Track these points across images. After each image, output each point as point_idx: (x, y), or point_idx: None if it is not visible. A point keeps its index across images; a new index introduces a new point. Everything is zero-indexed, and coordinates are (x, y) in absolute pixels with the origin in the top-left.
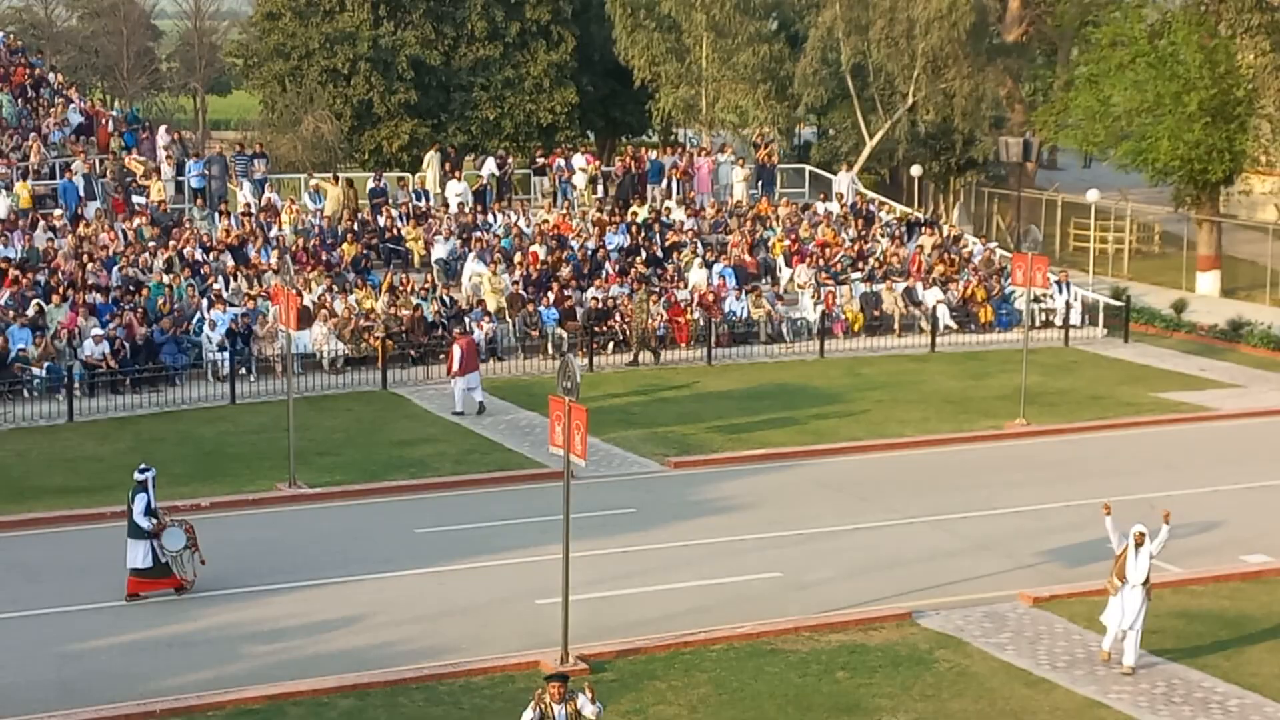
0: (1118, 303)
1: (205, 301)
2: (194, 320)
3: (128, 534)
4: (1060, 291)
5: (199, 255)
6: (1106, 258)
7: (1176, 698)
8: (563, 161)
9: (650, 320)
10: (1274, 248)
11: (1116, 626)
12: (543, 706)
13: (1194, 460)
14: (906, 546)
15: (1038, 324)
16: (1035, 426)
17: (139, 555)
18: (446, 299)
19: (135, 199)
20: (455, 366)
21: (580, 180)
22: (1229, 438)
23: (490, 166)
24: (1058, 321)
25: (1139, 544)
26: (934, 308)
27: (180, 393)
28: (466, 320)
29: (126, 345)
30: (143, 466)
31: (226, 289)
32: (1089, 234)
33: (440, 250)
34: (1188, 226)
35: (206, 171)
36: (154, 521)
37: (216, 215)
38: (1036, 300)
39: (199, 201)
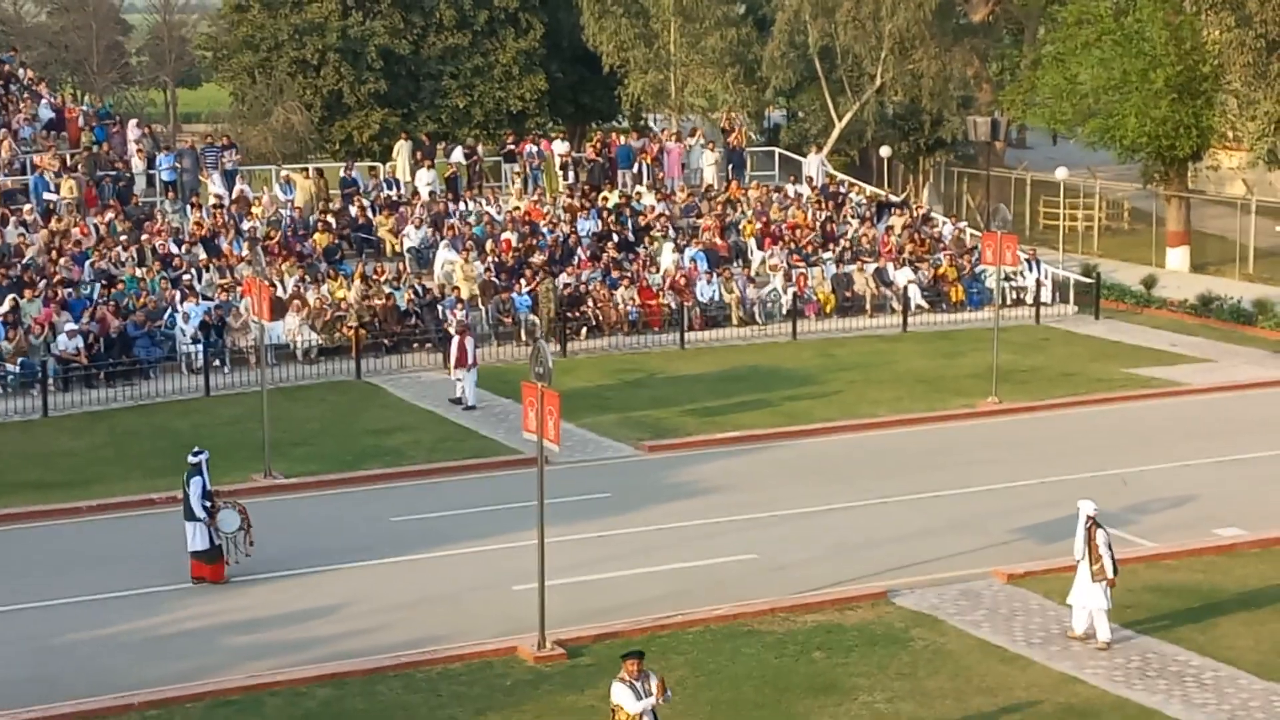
0: (1088, 280)
1: (178, 294)
2: (167, 313)
3: (184, 517)
4: (1030, 269)
5: (171, 248)
6: (1076, 235)
7: (1151, 671)
8: (534, 148)
9: (553, 309)
10: (1242, 223)
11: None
12: (625, 683)
13: (1166, 435)
14: (881, 526)
15: (1009, 302)
16: (1007, 404)
17: (197, 538)
18: (419, 287)
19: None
20: (468, 359)
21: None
22: (1200, 412)
23: (458, 155)
24: (1028, 299)
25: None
26: (905, 288)
27: (154, 386)
28: (440, 308)
29: (100, 339)
30: (196, 450)
31: (199, 281)
32: (1059, 212)
33: (412, 239)
34: (1156, 203)
35: (177, 164)
36: (210, 504)
37: (188, 208)
38: (1007, 279)
39: (170, 195)
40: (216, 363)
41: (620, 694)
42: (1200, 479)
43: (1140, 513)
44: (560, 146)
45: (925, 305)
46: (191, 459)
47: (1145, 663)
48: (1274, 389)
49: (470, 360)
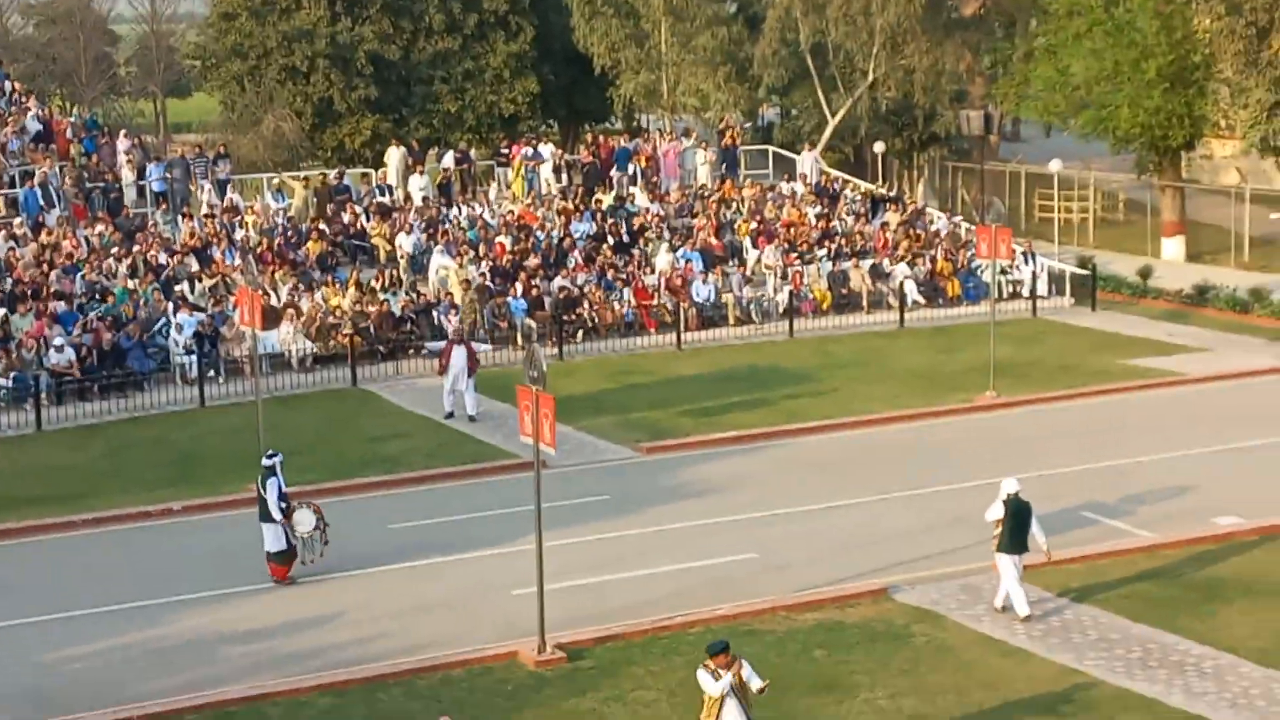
0: (1084, 271)
1: (171, 305)
2: (160, 324)
3: (260, 519)
4: (1026, 262)
5: (163, 259)
6: (1071, 227)
7: (1152, 662)
8: (529, 150)
9: (477, 317)
10: (1237, 211)
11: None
12: (709, 670)
13: (1164, 425)
14: (880, 523)
15: (1005, 296)
16: (1005, 398)
17: (272, 539)
18: (414, 293)
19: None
20: (451, 368)
21: (546, 170)
22: (1198, 401)
23: (448, 160)
24: (1025, 292)
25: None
26: (901, 283)
27: (149, 398)
28: (435, 313)
29: (93, 352)
30: (270, 452)
31: (192, 292)
32: (1053, 204)
33: (406, 244)
34: (1151, 193)
35: (168, 175)
36: (285, 504)
37: (179, 218)
38: (1003, 272)
39: (162, 205)
40: (211, 373)
41: (702, 678)
42: (1198, 468)
43: (1139, 503)
44: (546, 150)
45: (922, 301)
46: (266, 461)
47: (1146, 653)
48: (1271, 377)
49: (469, 368)
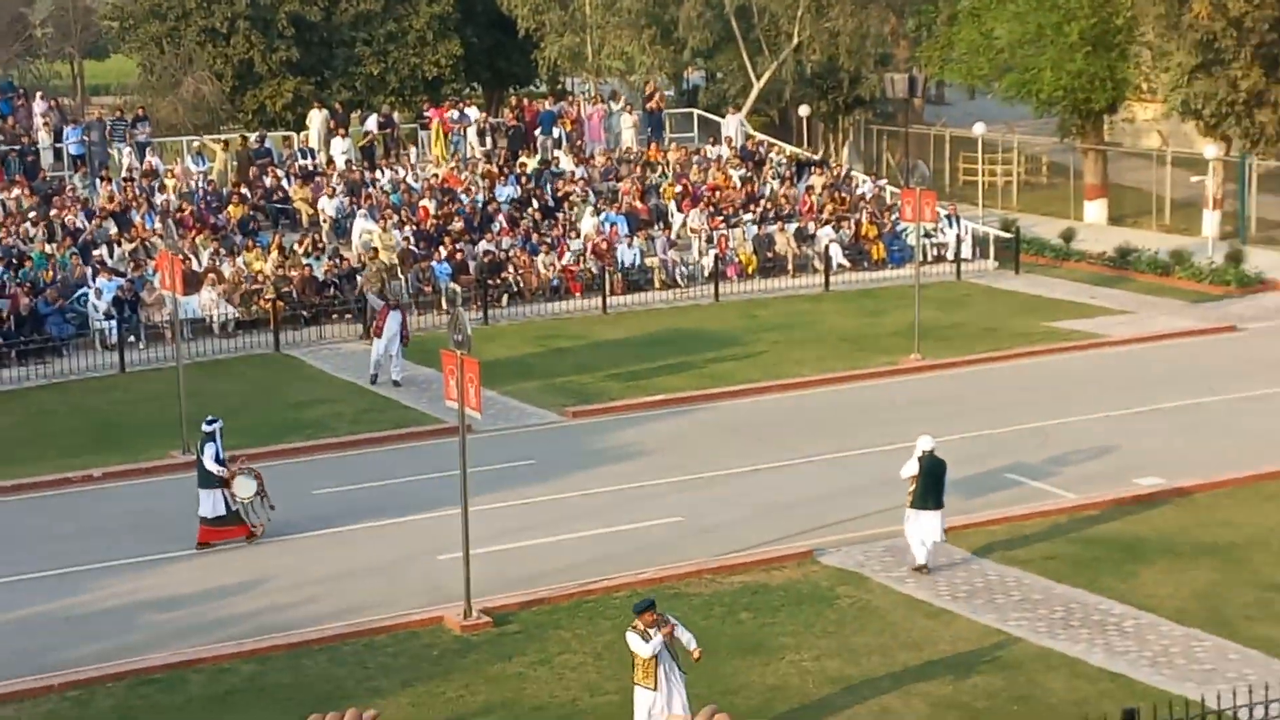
0: (1008, 235)
1: (90, 270)
2: (79, 290)
3: (198, 484)
4: (950, 226)
5: (81, 223)
6: (995, 190)
7: (1075, 621)
8: (455, 114)
9: (380, 287)
10: (1159, 174)
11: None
12: (642, 633)
13: (1086, 387)
14: (806, 486)
15: (929, 259)
16: (930, 361)
17: (210, 504)
18: (337, 258)
19: None
20: (384, 332)
21: (470, 133)
22: (1120, 363)
23: (371, 123)
24: (949, 256)
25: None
26: (826, 247)
27: (68, 363)
28: (359, 278)
29: (11, 317)
30: (210, 419)
31: (111, 256)
32: (978, 168)
33: (328, 209)
34: (1074, 156)
35: (86, 138)
36: (225, 470)
37: (98, 182)
38: (927, 235)
39: (80, 169)
40: (131, 339)
41: (632, 641)
42: (1120, 430)
43: (1061, 464)
44: (471, 113)
45: (847, 264)
46: (205, 427)
47: (1069, 613)
48: (1191, 339)
49: (402, 336)
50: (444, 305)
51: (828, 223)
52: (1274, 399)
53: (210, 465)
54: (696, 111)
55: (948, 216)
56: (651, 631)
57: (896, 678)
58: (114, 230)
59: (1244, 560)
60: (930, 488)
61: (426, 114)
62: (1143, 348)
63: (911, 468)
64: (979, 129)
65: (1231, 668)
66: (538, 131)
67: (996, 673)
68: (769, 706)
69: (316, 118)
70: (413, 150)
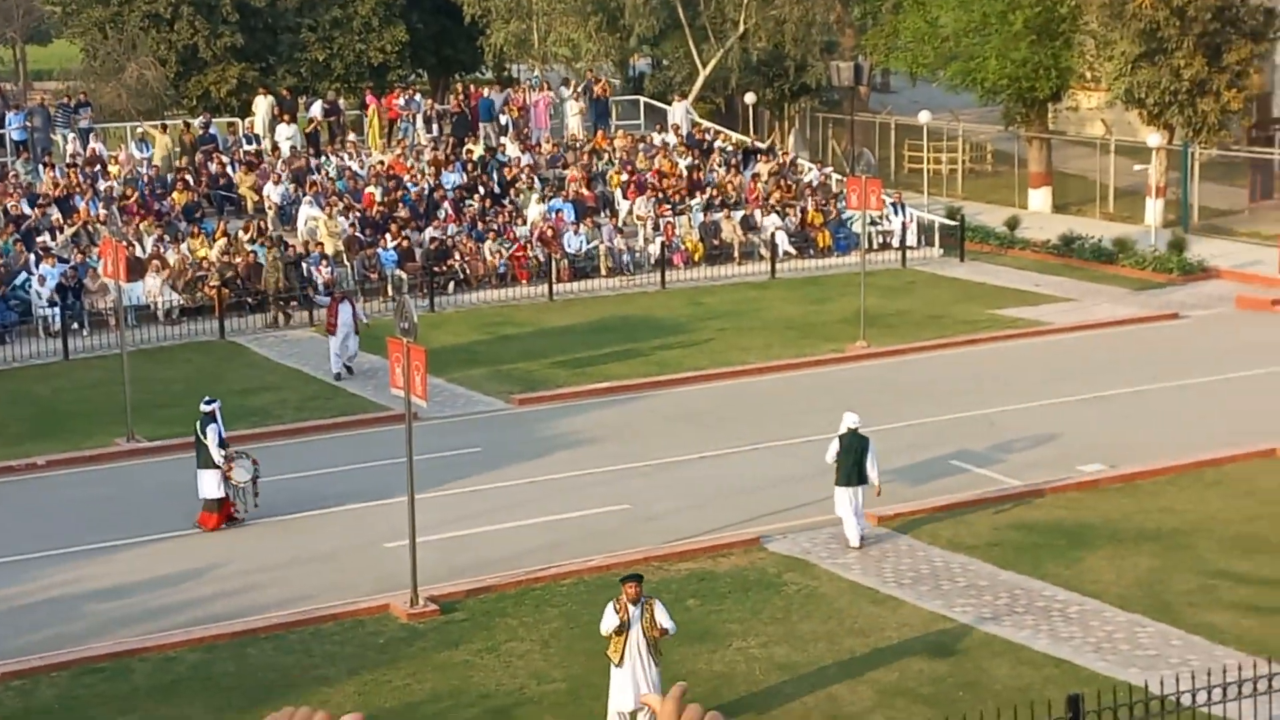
0: (952, 222)
1: (33, 256)
2: (21, 276)
3: (198, 465)
4: (896, 213)
5: (24, 209)
6: (941, 178)
7: (1019, 607)
8: (401, 101)
9: (282, 279)
10: (1102, 162)
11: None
12: (618, 606)
13: (1030, 375)
14: (753, 473)
15: (875, 247)
16: (876, 348)
17: (212, 486)
18: (282, 245)
19: None
20: (338, 327)
21: (417, 120)
22: (1063, 351)
23: (316, 110)
24: (895, 243)
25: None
26: (773, 234)
27: (10, 350)
28: (304, 265)
29: None
30: (208, 399)
31: (54, 243)
32: (923, 155)
33: (274, 195)
34: (1018, 145)
35: (28, 123)
36: (225, 452)
37: (41, 168)
38: (873, 223)
39: (23, 154)
40: (75, 326)
41: (606, 612)
42: (1064, 417)
43: (1006, 451)
44: (418, 100)
45: (793, 251)
46: (204, 407)
47: (1013, 599)
48: (1134, 327)
49: (351, 326)
50: (390, 293)
51: (774, 210)
52: (1216, 386)
53: (213, 449)
54: (643, 99)
55: (893, 204)
56: (630, 607)
57: (843, 664)
58: (57, 216)
59: (1186, 546)
60: (852, 465)
61: (404, 99)
62: (1086, 335)
63: (834, 448)
64: (924, 117)
65: (1174, 653)
66: (482, 121)
67: (942, 659)
68: (716, 694)
69: (262, 104)
70: (351, 135)
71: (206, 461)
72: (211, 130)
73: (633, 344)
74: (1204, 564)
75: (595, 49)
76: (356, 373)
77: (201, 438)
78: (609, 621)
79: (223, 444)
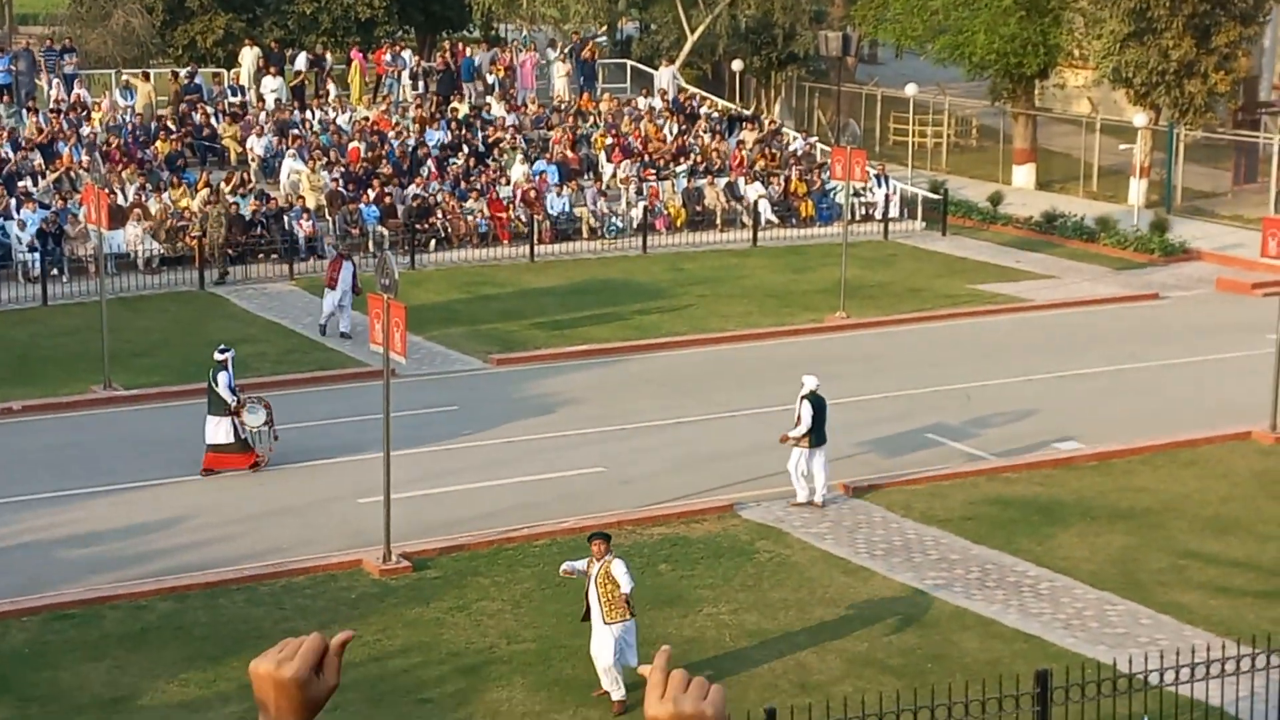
0: (935, 196)
1: (14, 201)
2: (1, 220)
3: (208, 411)
4: (879, 185)
5: (7, 153)
6: (925, 152)
7: (990, 582)
8: (389, 56)
9: (223, 232)
10: (1087, 141)
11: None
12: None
13: (1009, 350)
14: (728, 440)
15: (858, 218)
16: (855, 319)
17: (220, 432)
18: (264, 197)
19: None
20: (338, 284)
21: (403, 76)
22: (1042, 328)
23: (301, 63)
24: (877, 215)
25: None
26: (755, 202)
27: None
28: (286, 218)
29: None
30: (222, 347)
31: (35, 187)
32: (908, 128)
33: (257, 147)
34: (1004, 120)
35: (13, 67)
36: (236, 398)
37: (24, 112)
38: (856, 194)
39: (6, 98)
40: (54, 272)
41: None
42: (1040, 394)
43: (982, 426)
44: (405, 56)
45: (775, 220)
46: (218, 355)
47: (984, 574)
48: (1114, 305)
49: (350, 285)
50: (371, 249)
51: (757, 178)
52: (1193, 367)
53: (224, 393)
54: (629, 63)
55: (877, 176)
56: (592, 561)
57: (813, 633)
58: (39, 162)
59: (1159, 526)
60: (816, 426)
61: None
62: (1066, 313)
63: (809, 410)
64: (911, 90)
65: (1143, 632)
66: (464, 80)
67: (912, 631)
68: (685, 658)
69: (248, 55)
70: (331, 88)
71: (217, 409)
72: (197, 80)
73: (612, 307)
74: (1175, 544)
75: (583, 11)
76: (333, 328)
77: (213, 384)
78: (565, 564)
79: (234, 391)
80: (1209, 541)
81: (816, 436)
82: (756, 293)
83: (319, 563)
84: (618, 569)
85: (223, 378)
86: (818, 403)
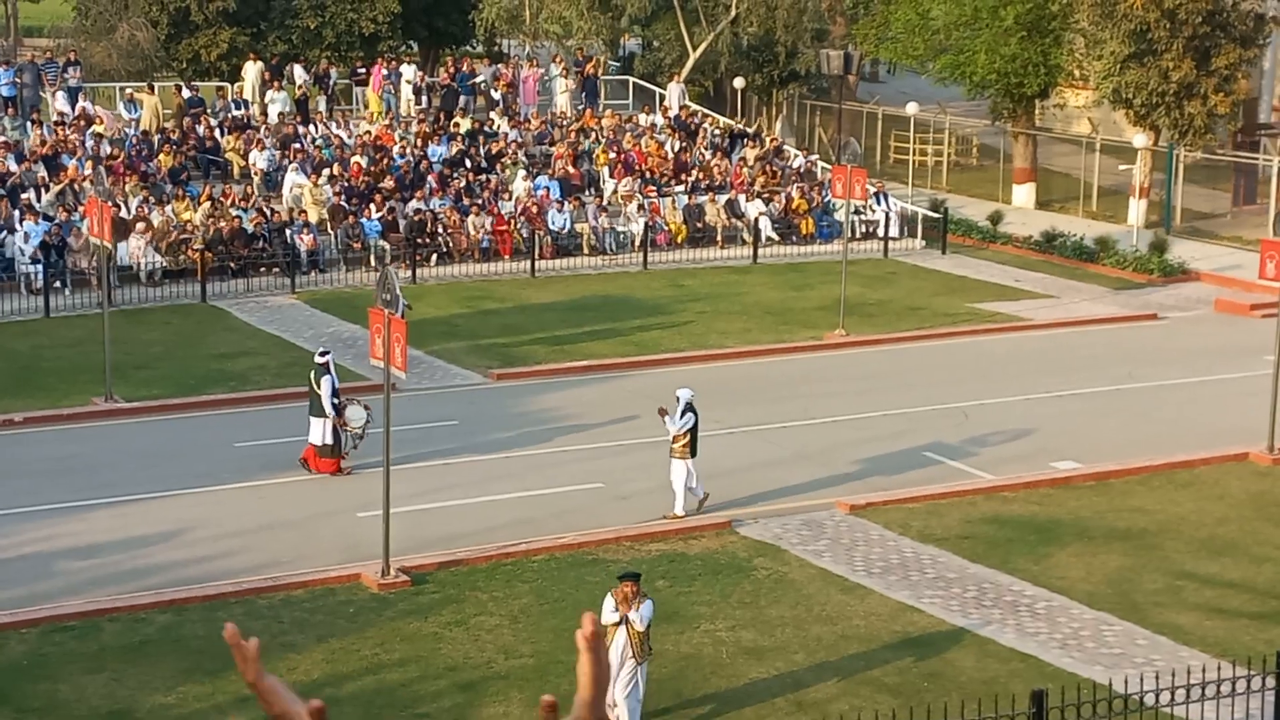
0: (936, 214)
1: (17, 213)
2: (5, 233)
3: (309, 412)
4: (880, 203)
5: (10, 166)
6: (925, 170)
7: (987, 601)
8: (385, 72)
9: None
10: (1087, 160)
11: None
12: (618, 600)
13: (1007, 369)
14: (727, 456)
15: (858, 236)
16: (854, 337)
17: (320, 433)
18: (267, 210)
19: None
20: None
21: (406, 91)
22: (1041, 347)
23: (298, 73)
24: (878, 233)
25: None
26: (756, 219)
27: None
28: (288, 232)
29: None
30: (322, 350)
31: (39, 200)
32: (909, 147)
33: (260, 161)
34: (1004, 140)
35: (17, 79)
36: (337, 401)
37: (28, 125)
38: (857, 212)
39: (10, 111)
40: (57, 284)
41: (605, 603)
42: (1039, 413)
43: (979, 445)
44: (409, 71)
45: (776, 237)
46: (319, 359)
47: (981, 592)
48: (1112, 325)
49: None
50: (373, 263)
51: (758, 196)
52: (1191, 388)
53: (327, 398)
54: (632, 79)
55: (877, 194)
56: (618, 605)
57: (809, 651)
58: (43, 174)
59: (1155, 547)
60: (695, 437)
61: (360, 70)
62: (1065, 332)
63: (688, 420)
64: (912, 108)
65: (1140, 653)
66: (461, 94)
67: (908, 649)
68: (682, 674)
69: (251, 69)
70: (323, 103)
71: (319, 410)
72: (200, 94)
73: (612, 323)
74: (1172, 565)
75: (586, 27)
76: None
77: (315, 387)
78: (607, 616)
79: (335, 394)
80: (1205, 562)
81: (694, 448)
82: (756, 310)
83: (317, 576)
84: (647, 611)
85: (325, 382)
86: (696, 414)
